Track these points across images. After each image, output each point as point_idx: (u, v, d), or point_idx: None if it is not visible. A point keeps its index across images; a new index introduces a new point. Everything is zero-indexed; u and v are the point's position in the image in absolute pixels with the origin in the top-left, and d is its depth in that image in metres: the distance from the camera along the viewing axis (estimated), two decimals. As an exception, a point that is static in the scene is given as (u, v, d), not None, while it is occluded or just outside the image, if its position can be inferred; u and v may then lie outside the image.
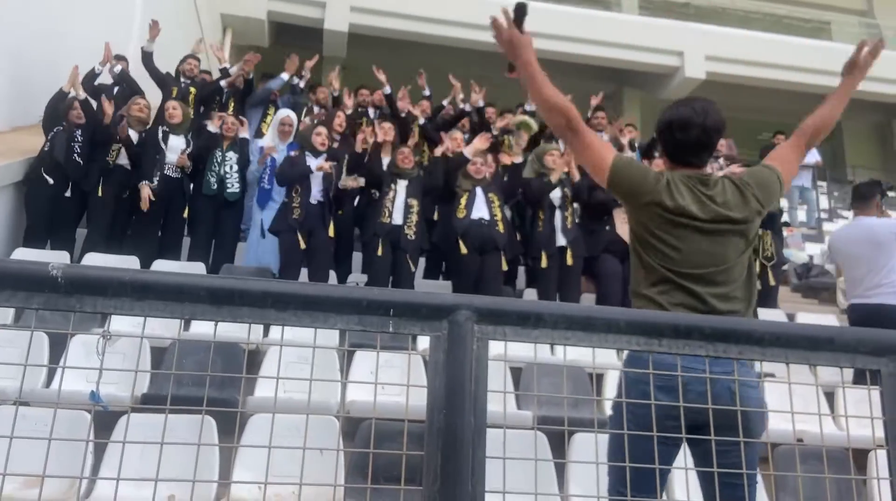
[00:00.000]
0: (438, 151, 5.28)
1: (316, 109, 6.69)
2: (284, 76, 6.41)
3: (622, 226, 4.91)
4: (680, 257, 1.90)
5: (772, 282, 5.19)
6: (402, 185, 4.89)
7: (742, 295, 1.92)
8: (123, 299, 1.18)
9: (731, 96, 15.64)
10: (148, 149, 5.01)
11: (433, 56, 14.77)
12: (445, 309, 1.28)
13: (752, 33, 15.63)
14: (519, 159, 5.33)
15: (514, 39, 1.98)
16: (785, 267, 7.19)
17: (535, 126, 5.63)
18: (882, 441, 1.35)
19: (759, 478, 1.86)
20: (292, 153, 4.99)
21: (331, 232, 4.82)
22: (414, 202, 4.86)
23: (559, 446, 2.95)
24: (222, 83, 6.21)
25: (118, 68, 5.96)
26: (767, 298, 5.23)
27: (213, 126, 5.23)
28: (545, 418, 3.06)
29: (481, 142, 4.91)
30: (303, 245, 4.69)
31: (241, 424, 2.82)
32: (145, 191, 4.81)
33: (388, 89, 6.92)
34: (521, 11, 2.00)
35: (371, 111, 6.89)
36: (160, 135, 5.09)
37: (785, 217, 10.20)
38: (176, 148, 5.15)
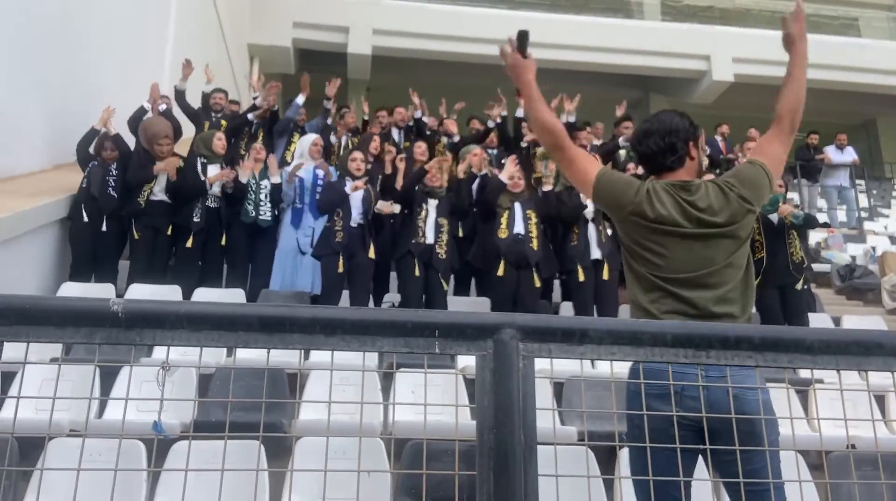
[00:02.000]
0: (461, 170, 5.30)
1: (343, 135, 6.75)
2: (300, 100, 6.46)
3: None
4: (666, 263, 1.93)
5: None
6: (432, 205, 4.95)
7: (737, 297, 1.92)
8: (180, 331, 1.21)
9: (760, 97, 15.36)
10: (188, 179, 5.16)
11: (456, 73, 14.90)
12: (490, 329, 1.29)
13: (779, 33, 15.35)
14: (551, 187, 5.32)
15: (517, 64, 2.17)
16: (825, 268, 7.06)
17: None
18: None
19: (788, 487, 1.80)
20: (330, 180, 5.06)
21: (371, 254, 4.86)
22: (444, 222, 4.93)
23: (603, 460, 2.93)
24: (250, 116, 6.33)
25: (163, 107, 6.14)
26: (809, 302, 5.12)
27: (244, 176, 5.29)
28: (591, 433, 3.03)
29: (513, 165, 4.91)
30: (340, 268, 4.74)
31: (288, 448, 2.85)
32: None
33: (419, 112, 6.99)
34: (523, 38, 2.20)
35: (395, 132, 6.93)
36: (199, 166, 5.24)
37: (825, 218, 10.02)
38: (212, 176, 5.28)
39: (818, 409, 3.45)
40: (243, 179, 5.26)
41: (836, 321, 5.22)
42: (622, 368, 3.97)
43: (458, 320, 1.35)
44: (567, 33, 14.27)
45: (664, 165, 2.07)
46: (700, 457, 1.83)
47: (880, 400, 4.05)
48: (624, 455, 2.66)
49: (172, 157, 5.24)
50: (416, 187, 5.05)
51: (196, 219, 5.09)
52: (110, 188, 5.11)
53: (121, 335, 1.20)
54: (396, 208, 4.97)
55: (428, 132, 6.94)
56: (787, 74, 2.20)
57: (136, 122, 5.84)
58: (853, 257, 7.52)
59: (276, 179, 5.33)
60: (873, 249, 7.96)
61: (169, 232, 5.09)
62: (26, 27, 5.54)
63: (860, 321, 5.29)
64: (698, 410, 1.48)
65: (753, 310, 4.60)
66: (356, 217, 4.87)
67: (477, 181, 5.37)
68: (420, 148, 5.58)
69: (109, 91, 6.70)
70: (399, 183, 5.08)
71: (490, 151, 6.50)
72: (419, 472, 2.02)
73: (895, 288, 6.47)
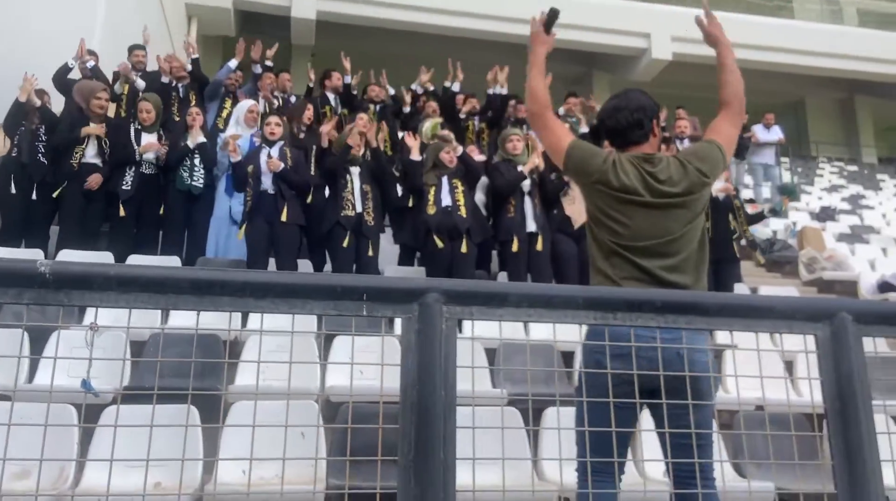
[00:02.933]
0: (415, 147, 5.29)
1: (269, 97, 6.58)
2: (232, 64, 6.34)
3: (569, 206, 5.10)
4: (627, 232, 2.06)
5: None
6: (355, 173, 4.95)
7: (690, 267, 2.07)
8: (109, 293, 1.24)
9: (698, 76, 15.81)
10: (119, 146, 5.01)
11: (402, 42, 14.76)
12: (416, 292, 1.35)
13: (717, 13, 15.74)
14: (482, 157, 5.44)
15: (538, 35, 2.38)
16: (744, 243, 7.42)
17: (440, 122, 5.83)
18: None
19: (714, 438, 1.98)
20: (234, 161, 4.94)
21: (283, 217, 4.80)
22: (368, 188, 4.95)
23: (535, 421, 3.07)
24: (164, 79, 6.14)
25: (90, 63, 5.92)
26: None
27: (191, 140, 5.19)
28: (519, 394, 3.18)
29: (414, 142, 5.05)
30: (241, 236, 4.73)
31: (223, 412, 2.89)
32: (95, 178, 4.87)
33: (348, 78, 6.96)
34: (553, 16, 2.40)
35: (331, 97, 6.84)
36: (132, 133, 5.11)
37: (749, 194, 10.47)
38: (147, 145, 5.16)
39: (735, 369, 3.70)
40: (191, 144, 5.17)
41: (754, 290, 5.53)
42: (546, 332, 4.13)
43: (385, 284, 1.42)
44: (513, 6, 14.28)
45: (631, 139, 2.20)
46: (645, 413, 1.97)
47: (790, 365, 4.33)
48: (548, 415, 2.81)
49: (99, 124, 5.08)
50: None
51: (126, 187, 4.98)
52: (40, 155, 4.94)
53: (49, 295, 1.22)
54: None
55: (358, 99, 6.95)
56: (721, 65, 2.35)
57: (61, 79, 5.62)
58: (774, 232, 7.92)
59: (200, 139, 5.23)
60: (794, 224, 8.40)
61: (102, 195, 4.97)
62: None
63: (775, 290, 5.61)
64: (649, 369, 1.57)
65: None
66: (267, 184, 4.84)
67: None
68: (362, 119, 5.55)
69: (37, 48, 6.40)
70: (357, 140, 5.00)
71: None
72: (344, 426, 2.09)
73: (811, 261, 6.87)
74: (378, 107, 6.82)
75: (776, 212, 5.32)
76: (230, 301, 1.30)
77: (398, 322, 1.38)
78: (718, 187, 5.33)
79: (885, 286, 6.15)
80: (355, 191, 4.88)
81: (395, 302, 1.37)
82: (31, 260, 1.21)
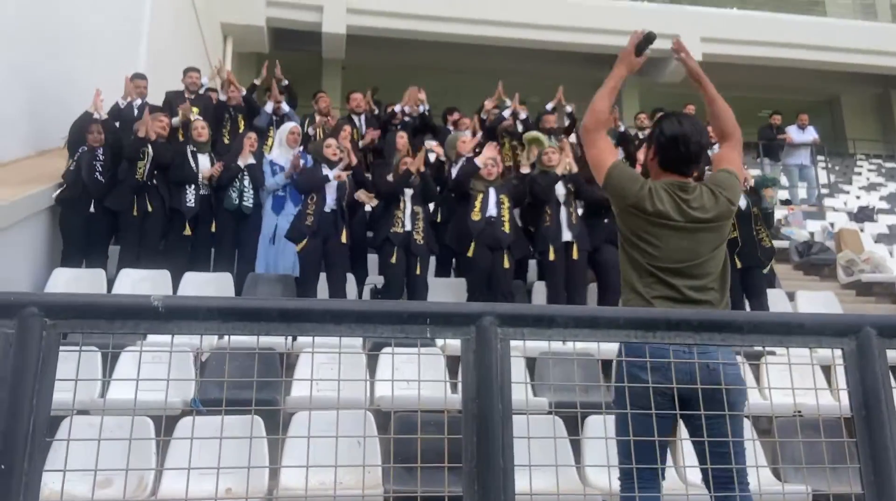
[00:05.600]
0: (432, 157, 5.49)
1: (317, 118, 6.88)
2: (268, 108, 6.63)
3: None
4: (660, 253, 2.20)
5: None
6: (408, 194, 5.18)
7: (717, 286, 2.21)
8: (212, 323, 1.43)
9: (728, 76, 15.73)
10: (178, 165, 5.35)
11: (432, 53, 14.99)
12: (473, 316, 1.51)
13: (746, 13, 15.76)
14: (528, 170, 5.58)
15: (627, 57, 2.43)
16: (784, 245, 7.42)
17: (545, 142, 5.90)
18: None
19: (746, 445, 2.10)
20: (308, 165, 5.25)
21: (343, 238, 5.05)
22: (419, 209, 5.18)
23: (574, 428, 3.21)
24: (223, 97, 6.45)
25: (137, 102, 6.21)
26: (766, 278, 5.46)
27: (242, 160, 5.50)
28: (560, 403, 3.32)
29: (491, 151, 5.20)
30: (308, 249, 4.94)
31: (284, 423, 3.08)
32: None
33: (423, 107, 7.16)
34: (647, 40, 2.41)
35: (355, 118, 7.04)
36: (189, 154, 5.41)
37: (786, 195, 10.42)
38: (203, 167, 5.48)
39: (769, 379, 3.78)
40: (242, 164, 5.47)
41: (791, 295, 5.57)
42: (584, 343, 4.26)
43: (446, 309, 1.59)
44: (541, 13, 14.43)
45: (684, 170, 2.29)
46: (680, 422, 2.10)
47: (828, 371, 4.37)
48: (589, 423, 2.95)
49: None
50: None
51: (190, 204, 5.27)
52: (97, 174, 5.24)
53: (161, 326, 1.42)
54: (374, 202, 5.16)
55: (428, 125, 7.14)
56: (712, 98, 2.46)
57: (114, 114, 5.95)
58: (811, 234, 7.90)
59: (250, 160, 5.54)
60: (831, 225, 8.35)
61: (162, 215, 5.27)
62: (1, 10, 5.54)
63: (813, 295, 5.64)
64: (683, 382, 1.72)
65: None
66: (330, 203, 5.06)
67: (459, 164, 5.58)
68: (403, 138, 5.77)
69: (85, 74, 6.72)
70: (418, 166, 5.20)
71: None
72: (410, 437, 2.26)
73: (850, 264, 6.85)
74: (399, 125, 6.94)
75: (766, 209, 5.37)
76: (313, 327, 1.48)
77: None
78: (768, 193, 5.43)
79: (924, 288, 6.12)
80: (406, 211, 5.11)
81: (455, 326, 1.54)
82: (146, 296, 1.40)
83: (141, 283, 4.75)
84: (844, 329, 1.60)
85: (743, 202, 5.41)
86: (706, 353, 1.83)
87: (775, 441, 3.21)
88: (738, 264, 5.24)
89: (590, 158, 2.42)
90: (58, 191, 5.22)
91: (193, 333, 1.42)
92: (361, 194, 5.08)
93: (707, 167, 3.93)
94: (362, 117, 7.02)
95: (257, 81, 6.80)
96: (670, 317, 1.60)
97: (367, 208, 5.62)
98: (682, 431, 2.06)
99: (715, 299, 2.19)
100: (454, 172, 5.48)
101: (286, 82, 7.05)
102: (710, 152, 5.03)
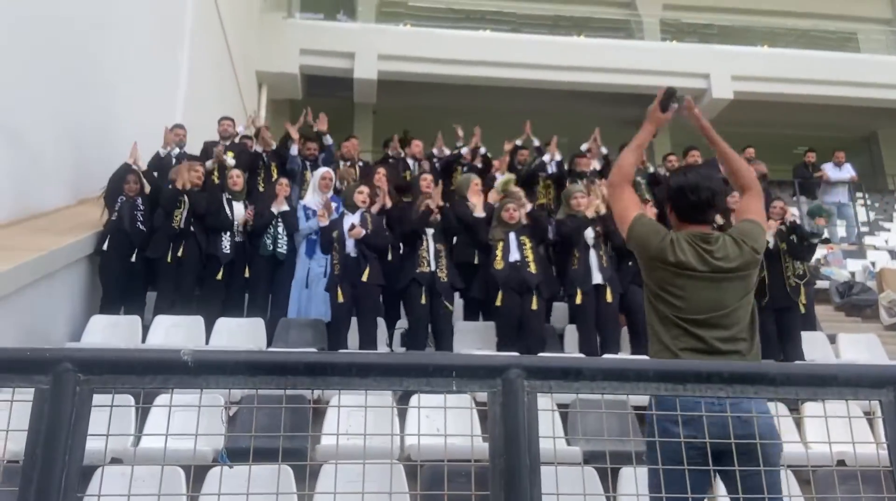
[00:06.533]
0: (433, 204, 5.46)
1: (341, 164, 6.92)
2: (293, 152, 6.71)
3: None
4: (686, 305, 2.18)
5: (804, 300, 5.27)
6: (429, 233, 5.22)
7: (746, 336, 2.18)
8: (239, 377, 1.45)
9: (760, 114, 15.69)
10: (216, 212, 5.49)
11: (460, 96, 15.23)
12: (499, 369, 1.51)
13: (778, 50, 15.73)
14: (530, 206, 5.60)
15: (653, 114, 2.49)
16: (825, 285, 7.24)
17: (513, 179, 6.02)
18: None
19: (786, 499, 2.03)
20: (322, 225, 5.29)
21: (364, 277, 5.07)
22: (441, 247, 5.21)
23: (606, 476, 3.13)
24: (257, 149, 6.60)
25: (175, 152, 6.41)
26: (805, 320, 5.32)
27: (276, 208, 5.64)
28: (592, 452, 3.25)
29: (494, 197, 5.23)
30: (341, 299, 4.97)
31: (312, 473, 3.06)
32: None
33: (465, 148, 7.26)
34: (670, 95, 2.48)
35: (410, 162, 7.16)
36: (224, 201, 5.55)
37: (825, 234, 10.20)
38: (238, 214, 5.62)
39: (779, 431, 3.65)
40: (276, 210, 5.61)
41: (832, 338, 5.41)
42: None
43: (471, 362, 1.58)
44: (568, 55, 14.59)
45: (700, 218, 2.31)
46: (716, 476, 2.05)
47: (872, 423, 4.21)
48: (624, 474, 2.87)
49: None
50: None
51: (226, 250, 5.39)
52: (139, 223, 5.41)
53: (191, 380, 1.44)
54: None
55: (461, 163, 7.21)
56: (725, 153, 2.49)
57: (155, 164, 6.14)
58: (852, 274, 7.70)
59: (284, 207, 5.68)
60: (872, 264, 8.15)
61: (197, 261, 5.38)
62: (42, 55, 5.74)
63: (855, 338, 5.47)
64: (714, 434, 1.69)
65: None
66: (350, 248, 5.13)
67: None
68: (426, 180, 5.84)
69: (125, 123, 6.96)
70: (437, 201, 5.24)
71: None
72: (438, 493, 2.24)
73: (892, 304, 6.65)
74: (422, 163, 7.03)
75: (816, 234, 5.22)
76: (339, 381, 1.49)
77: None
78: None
79: (971, 329, 5.89)
80: (430, 250, 5.13)
81: (481, 378, 1.53)
82: (175, 350, 1.43)
83: (174, 329, 4.84)
84: (880, 381, 1.55)
85: (771, 242, 5.33)
86: (737, 405, 1.78)
87: (812, 496, 3.09)
88: (764, 307, 5.13)
89: (615, 212, 2.46)
90: (101, 240, 5.37)
91: (221, 387, 1.44)
92: (353, 232, 5.10)
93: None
94: (417, 163, 7.12)
95: (294, 151, 6.74)
96: (700, 369, 1.58)
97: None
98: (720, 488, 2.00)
99: (744, 348, 2.16)
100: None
101: (319, 128, 7.17)
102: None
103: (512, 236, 5.11)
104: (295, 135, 6.76)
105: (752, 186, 2.46)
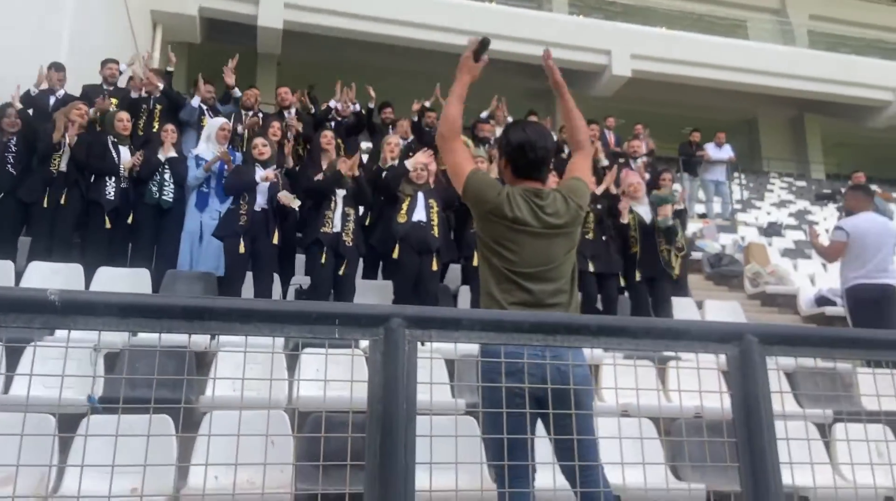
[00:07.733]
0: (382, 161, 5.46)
1: (244, 114, 6.70)
2: (194, 103, 6.44)
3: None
4: (518, 258, 2.27)
5: (677, 271, 5.68)
6: (340, 195, 5.13)
7: (567, 288, 2.32)
8: (111, 319, 1.40)
9: (654, 93, 16.40)
10: (101, 155, 5.16)
11: (369, 53, 14.94)
12: (381, 318, 1.55)
13: (674, 33, 16.41)
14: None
15: (466, 62, 2.46)
16: (698, 256, 7.78)
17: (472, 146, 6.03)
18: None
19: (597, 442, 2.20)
20: (238, 164, 5.15)
21: (275, 239, 4.99)
22: (350, 211, 5.14)
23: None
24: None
25: (61, 92, 5.97)
26: (677, 287, 5.72)
27: (163, 153, 5.37)
28: (475, 405, 3.38)
29: (424, 157, 5.21)
30: (242, 249, 4.85)
31: (195, 423, 3.02)
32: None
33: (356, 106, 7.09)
34: (483, 45, 2.47)
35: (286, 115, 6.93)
36: (110, 145, 5.21)
37: (702, 209, 10.92)
38: (124, 159, 5.29)
39: (673, 382, 3.98)
40: (163, 157, 5.34)
41: (700, 304, 5.85)
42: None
43: (355, 310, 1.61)
44: (478, 20, 14.57)
45: (535, 174, 2.39)
46: (538, 421, 2.19)
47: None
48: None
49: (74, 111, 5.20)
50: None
51: (110, 197, 5.09)
52: (9, 165, 5.01)
53: (58, 321, 1.39)
54: (297, 204, 5.08)
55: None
56: (569, 110, 2.58)
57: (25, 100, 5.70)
58: (723, 247, 8.30)
59: (171, 154, 5.43)
60: (742, 239, 8.81)
61: (78, 207, 5.07)
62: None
63: (720, 305, 5.94)
64: (537, 383, 1.83)
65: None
66: (261, 202, 5.00)
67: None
68: (326, 137, 5.73)
69: (5, 64, 6.41)
70: (352, 169, 5.16)
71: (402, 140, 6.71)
72: (316, 435, 2.28)
73: (755, 276, 7.25)
74: (334, 123, 6.83)
75: (669, 226, 5.62)
76: (218, 325, 1.48)
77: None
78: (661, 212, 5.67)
79: (822, 300, 6.53)
80: (337, 211, 5.05)
81: (364, 326, 1.56)
82: (42, 289, 1.36)
83: (52, 276, 4.55)
84: (728, 336, 1.71)
85: (647, 216, 5.70)
86: (557, 356, 1.97)
87: (674, 440, 3.39)
88: (638, 276, 5.56)
89: (448, 166, 2.46)
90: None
91: (91, 329, 1.40)
92: (283, 197, 5.00)
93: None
94: (292, 111, 6.91)
95: (195, 102, 6.45)
96: (572, 322, 1.68)
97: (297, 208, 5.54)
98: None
99: (565, 300, 2.29)
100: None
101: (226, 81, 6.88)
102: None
103: (420, 195, 5.13)
104: (231, 81, 6.47)
105: (585, 146, 2.57)
